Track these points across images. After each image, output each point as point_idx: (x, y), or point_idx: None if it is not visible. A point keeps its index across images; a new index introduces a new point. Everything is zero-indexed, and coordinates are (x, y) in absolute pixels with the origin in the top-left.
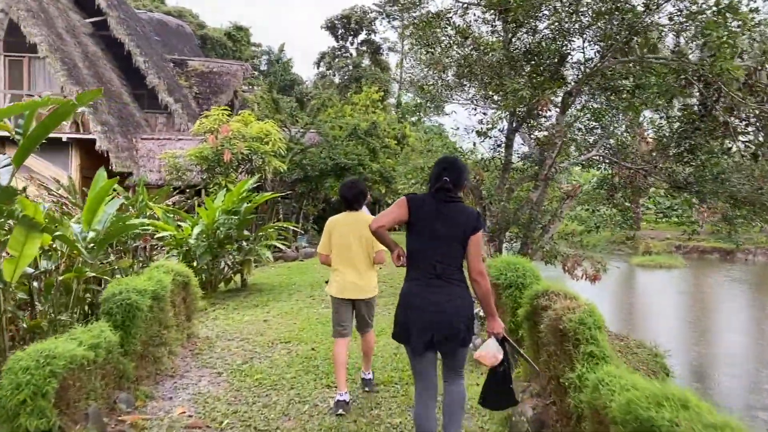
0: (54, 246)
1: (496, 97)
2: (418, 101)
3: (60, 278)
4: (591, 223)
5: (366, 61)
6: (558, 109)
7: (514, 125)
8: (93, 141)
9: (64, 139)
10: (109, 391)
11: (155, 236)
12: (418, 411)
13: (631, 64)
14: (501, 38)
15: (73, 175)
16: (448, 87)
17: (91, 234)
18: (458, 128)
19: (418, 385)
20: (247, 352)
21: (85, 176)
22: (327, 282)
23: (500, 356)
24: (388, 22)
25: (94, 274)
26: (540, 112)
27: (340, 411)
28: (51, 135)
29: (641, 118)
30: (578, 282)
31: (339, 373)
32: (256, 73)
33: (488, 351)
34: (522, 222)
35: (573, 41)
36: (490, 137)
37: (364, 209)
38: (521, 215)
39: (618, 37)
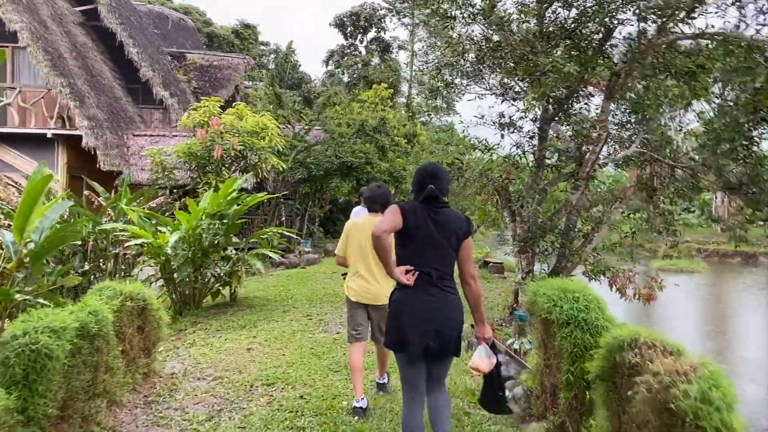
0: None
1: (523, 84)
2: (434, 88)
3: None
4: (626, 229)
5: (375, 60)
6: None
7: (549, 113)
8: (81, 137)
9: (49, 135)
10: None
11: (130, 243)
12: (405, 416)
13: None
14: (535, 9)
15: (59, 174)
16: (467, 75)
17: (30, 245)
18: (483, 116)
19: (407, 393)
20: (217, 401)
21: (73, 176)
22: (344, 276)
23: (494, 360)
24: (398, 19)
25: (27, 297)
26: (583, 95)
27: (357, 418)
28: (36, 131)
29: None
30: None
31: (356, 379)
32: (264, 72)
33: (482, 358)
34: (559, 230)
35: (622, 12)
36: (520, 128)
37: (360, 209)
38: (557, 221)
39: (680, 5)
